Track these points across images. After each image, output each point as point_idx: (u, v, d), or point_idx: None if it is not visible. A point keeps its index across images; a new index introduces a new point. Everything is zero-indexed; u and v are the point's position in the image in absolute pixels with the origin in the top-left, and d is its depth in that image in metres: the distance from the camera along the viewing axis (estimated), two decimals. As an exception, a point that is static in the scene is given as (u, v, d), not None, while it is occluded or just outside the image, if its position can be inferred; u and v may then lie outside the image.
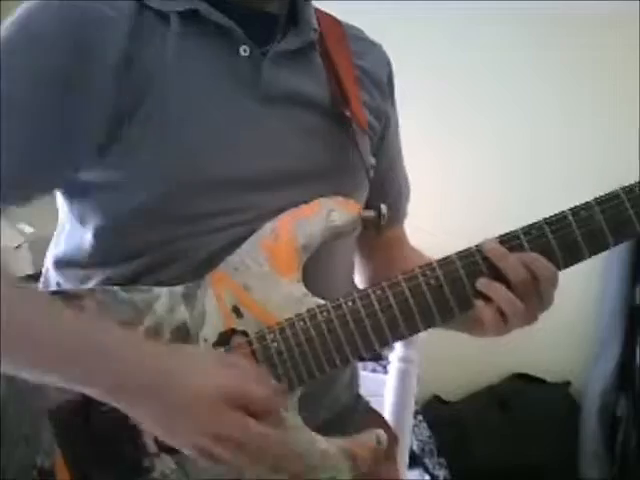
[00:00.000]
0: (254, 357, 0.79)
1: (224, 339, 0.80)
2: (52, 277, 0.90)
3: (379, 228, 0.88)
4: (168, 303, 0.80)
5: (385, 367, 1.57)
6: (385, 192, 1.03)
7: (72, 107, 0.78)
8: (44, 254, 0.95)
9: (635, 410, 2.20)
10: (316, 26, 0.90)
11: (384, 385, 1.34)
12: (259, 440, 0.71)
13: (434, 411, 2.30)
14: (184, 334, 0.80)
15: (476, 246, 0.79)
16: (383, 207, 0.88)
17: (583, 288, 2.36)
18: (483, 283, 0.78)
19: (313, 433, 0.79)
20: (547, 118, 2.37)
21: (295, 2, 0.90)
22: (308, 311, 0.79)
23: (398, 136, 1.06)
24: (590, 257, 0.79)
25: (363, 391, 1.03)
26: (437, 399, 2.42)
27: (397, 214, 1.08)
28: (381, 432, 0.80)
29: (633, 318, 2.23)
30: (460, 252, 0.80)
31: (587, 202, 0.78)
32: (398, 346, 1.34)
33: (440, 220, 2.15)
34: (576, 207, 0.78)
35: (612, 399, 2.24)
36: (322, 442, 0.79)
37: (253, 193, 0.84)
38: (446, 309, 0.79)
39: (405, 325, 0.79)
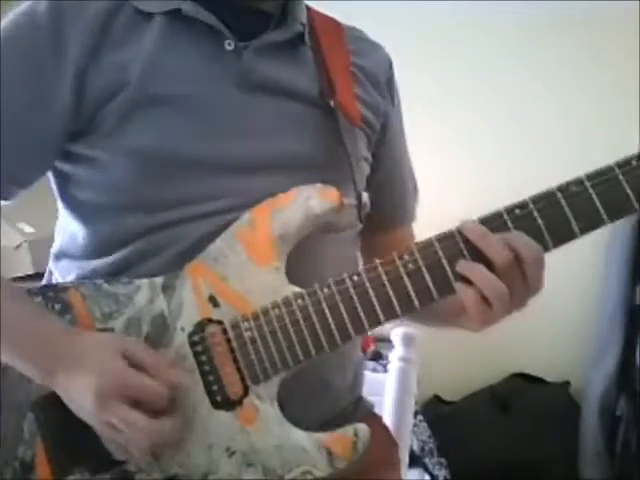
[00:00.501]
0: (228, 345, 0.79)
1: (200, 328, 0.80)
2: (52, 270, 0.93)
3: (360, 217, 0.87)
4: (148, 294, 0.82)
5: (385, 367, 1.57)
6: (389, 192, 1.04)
7: (42, 96, 0.83)
8: (44, 254, 0.96)
9: (635, 410, 2.19)
10: (303, 21, 0.92)
11: (384, 385, 1.34)
12: (143, 429, 0.74)
13: (434, 411, 2.30)
14: (162, 324, 0.81)
15: (457, 227, 0.76)
16: (364, 195, 0.87)
17: (583, 288, 2.36)
18: (463, 265, 0.75)
19: (289, 426, 0.79)
20: (550, 117, 2.37)
21: (287, 2, 0.92)
22: (283, 299, 0.79)
23: (403, 137, 1.06)
24: (582, 235, 0.75)
25: (363, 391, 1.02)
26: (437, 399, 2.42)
27: (403, 215, 1.07)
28: (361, 426, 0.78)
29: (633, 318, 2.23)
30: (440, 234, 0.77)
31: (577, 177, 0.75)
32: (398, 346, 1.34)
33: (441, 218, 2.15)
34: (565, 183, 0.75)
35: (612, 399, 2.23)
36: (298, 435, 0.78)
37: (236, 177, 0.85)
38: (425, 293, 0.76)
39: (383, 311, 0.77)
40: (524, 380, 2.39)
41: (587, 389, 2.30)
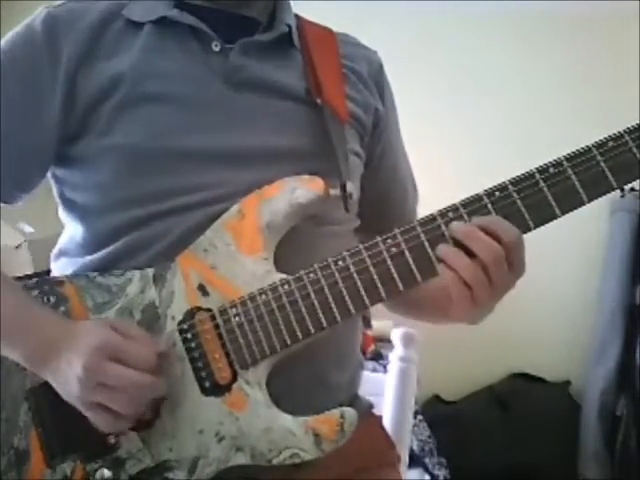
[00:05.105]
0: (216, 332, 0.81)
1: (189, 316, 0.82)
2: (52, 270, 0.95)
3: (347, 207, 0.88)
4: (140, 285, 0.84)
5: (385, 367, 1.57)
6: (390, 195, 1.05)
7: (39, 106, 0.88)
8: (44, 254, 0.98)
9: (635, 410, 2.20)
10: (290, 23, 0.95)
11: (384, 385, 1.34)
12: (132, 382, 0.76)
13: (434, 411, 2.31)
14: (153, 313, 0.83)
15: (438, 211, 0.78)
16: (349, 184, 0.88)
17: (583, 288, 2.37)
18: (442, 250, 0.77)
19: (276, 410, 0.80)
20: (545, 119, 2.38)
21: (275, 10, 0.96)
22: (270, 285, 0.81)
23: (399, 139, 1.08)
24: (562, 215, 0.77)
25: (363, 391, 1.02)
26: (437, 399, 2.42)
27: (404, 214, 1.08)
28: (348, 409, 0.79)
29: (633, 318, 2.23)
30: (422, 218, 0.79)
31: (556, 159, 0.77)
32: (398, 346, 1.34)
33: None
34: (545, 165, 0.77)
35: (612, 399, 2.24)
36: (285, 418, 0.79)
37: (223, 169, 0.87)
38: (408, 276, 0.78)
39: (367, 294, 0.78)
40: (524, 380, 2.39)
41: (587, 389, 2.31)
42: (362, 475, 0.92)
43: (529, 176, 0.77)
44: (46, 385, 0.80)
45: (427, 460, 2.08)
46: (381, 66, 1.04)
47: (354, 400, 0.98)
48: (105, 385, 0.76)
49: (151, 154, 0.86)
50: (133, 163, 0.86)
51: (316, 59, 0.95)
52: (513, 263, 0.76)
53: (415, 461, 2.04)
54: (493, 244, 0.75)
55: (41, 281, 0.87)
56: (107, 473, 0.80)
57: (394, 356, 1.34)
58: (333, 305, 0.79)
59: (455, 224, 0.77)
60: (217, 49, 0.90)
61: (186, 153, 0.87)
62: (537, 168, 0.77)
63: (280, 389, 0.82)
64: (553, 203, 0.76)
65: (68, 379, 0.77)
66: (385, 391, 1.33)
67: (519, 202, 0.77)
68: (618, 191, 2.12)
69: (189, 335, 0.81)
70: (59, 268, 0.93)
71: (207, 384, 0.80)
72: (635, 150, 0.76)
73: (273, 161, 0.88)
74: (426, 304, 0.99)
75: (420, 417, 2.12)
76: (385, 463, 0.99)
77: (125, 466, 0.80)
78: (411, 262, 0.78)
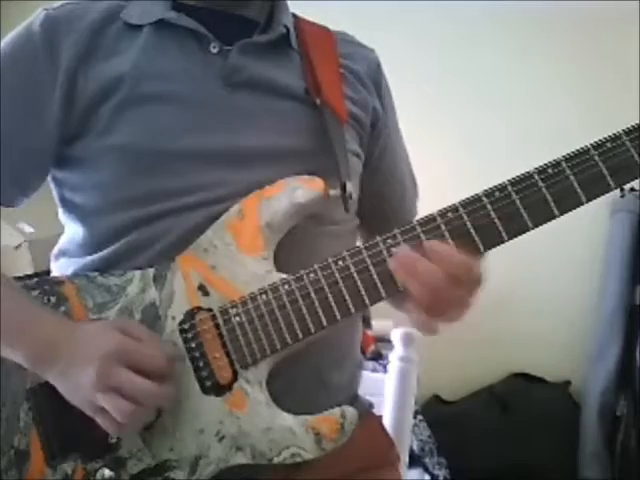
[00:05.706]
0: (217, 331, 0.81)
1: (190, 316, 0.82)
2: (52, 270, 0.96)
3: (346, 207, 0.88)
4: (140, 285, 0.84)
5: (385, 367, 1.57)
6: (388, 191, 1.06)
7: (39, 107, 0.88)
8: (44, 254, 0.98)
9: (635, 410, 2.20)
10: (287, 24, 0.96)
11: (384, 385, 1.34)
12: (143, 391, 0.75)
13: (434, 411, 2.31)
14: (153, 313, 0.83)
15: (439, 211, 0.78)
16: (349, 184, 0.88)
17: (583, 288, 2.37)
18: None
19: (277, 409, 0.80)
20: (544, 119, 2.38)
21: (273, 10, 0.97)
22: (271, 285, 0.81)
23: (399, 138, 1.08)
24: (561, 215, 0.77)
25: (363, 391, 1.02)
26: (437, 399, 2.43)
27: (403, 212, 1.08)
28: (348, 408, 0.80)
29: (633, 318, 2.23)
30: (422, 218, 0.79)
31: (554, 160, 0.77)
32: (398, 346, 1.34)
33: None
34: (543, 166, 0.77)
35: (612, 399, 2.24)
36: (285, 417, 0.79)
37: (223, 169, 0.87)
38: None
39: (367, 293, 0.79)
40: (524, 380, 2.40)
41: (587, 389, 2.31)
42: (362, 475, 0.92)
43: (528, 176, 0.77)
44: (46, 385, 0.80)
45: (427, 460, 2.08)
46: (379, 64, 1.04)
47: (354, 400, 0.98)
48: (116, 391, 0.75)
49: (151, 154, 0.86)
50: (133, 163, 0.86)
51: (314, 59, 0.95)
52: (462, 283, 0.75)
53: (415, 461, 2.04)
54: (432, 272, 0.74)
55: (41, 281, 0.87)
56: (108, 473, 0.80)
57: (394, 356, 1.34)
58: (333, 304, 0.79)
59: (396, 250, 0.77)
60: (215, 51, 0.90)
61: (186, 153, 0.87)
62: (536, 168, 0.78)
63: (280, 389, 0.82)
64: (552, 203, 0.77)
65: (79, 384, 0.77)
66: (385, 391, 1.33)
67: (518, 202, 0.77)
68: (618, 191, 2.12)
69: (189, 335, 0.81)
70: (59, 268, 0.94)
71: (208, 383, 0.80)
72: (633, 151, 0.76)
73: (273, 161, 0.89)
74: None
75: (420, 417, 2.12)
76: (385, 463, 0.99)
77: (126, 466, 0.80)
78: None
